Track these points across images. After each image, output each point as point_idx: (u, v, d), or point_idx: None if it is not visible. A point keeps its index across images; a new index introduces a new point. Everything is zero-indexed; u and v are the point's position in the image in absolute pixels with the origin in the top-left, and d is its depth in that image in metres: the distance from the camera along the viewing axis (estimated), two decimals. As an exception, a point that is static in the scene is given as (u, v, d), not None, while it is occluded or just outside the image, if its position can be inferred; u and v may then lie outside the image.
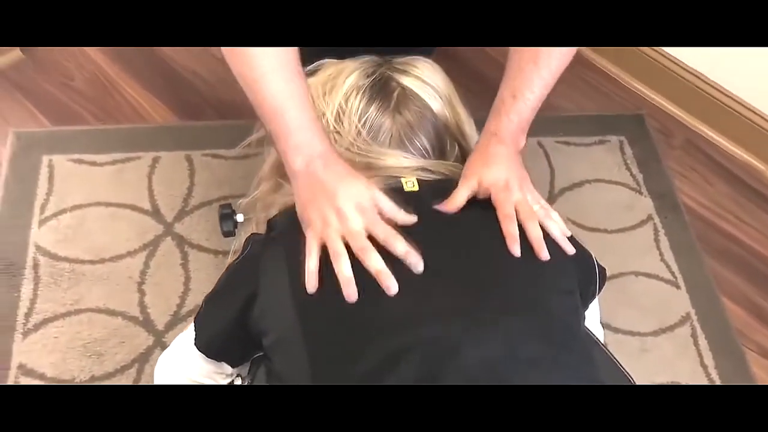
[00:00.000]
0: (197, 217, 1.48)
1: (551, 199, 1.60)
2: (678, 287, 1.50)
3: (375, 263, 0.76)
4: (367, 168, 0.87)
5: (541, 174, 1.63)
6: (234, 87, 1.68)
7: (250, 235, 0.88)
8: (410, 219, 0.81)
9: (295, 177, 0.84)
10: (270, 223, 0.86)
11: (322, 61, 1.02)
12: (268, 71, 0.86)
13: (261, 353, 0.85)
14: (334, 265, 0.76)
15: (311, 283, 0.76)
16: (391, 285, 0.74)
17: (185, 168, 1.55)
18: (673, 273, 1.52)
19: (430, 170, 0.89)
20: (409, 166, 0.88)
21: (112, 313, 1.34)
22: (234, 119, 1.65)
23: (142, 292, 1.37)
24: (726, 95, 1.72)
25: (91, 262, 1.39)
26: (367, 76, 0.93)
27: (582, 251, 0.91)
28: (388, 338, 0.72)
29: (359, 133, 0.90)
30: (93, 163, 1.53)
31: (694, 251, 1.56)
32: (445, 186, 0.88)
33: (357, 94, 0.91)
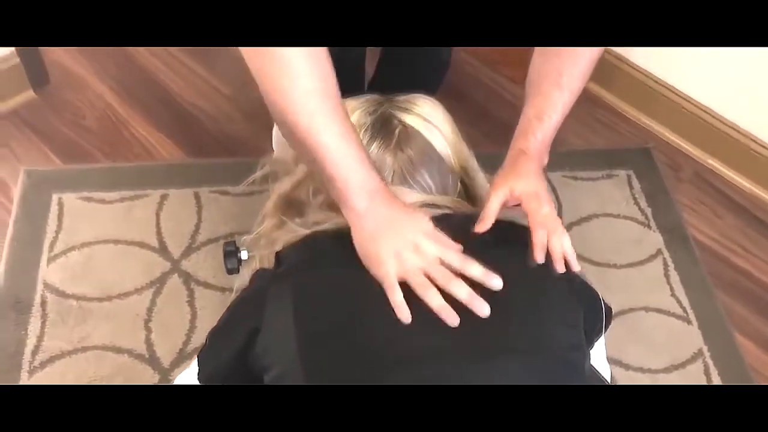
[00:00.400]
0: (204, 253, 1.48)
1: (559, 233, 1.59)
2: (689, 322, 1.48)
3: (461, 292, 0.77)
4: None
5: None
6: (240, 124, 1.72)
7: (257, 270, 0.88)
8: (460, 248, 0.82)
9: (358, 216, 0.82)
10: (278, 257, 0.86)
11: None
12: (315, 113, 0.81)
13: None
14: (424, 298, 0.77)
15: (405, 314, 0.76)
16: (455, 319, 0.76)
17: (193, 205, 1.56)
18: (684, 308, 1.50)
19: (434, 205, 0.89)
20: (414, 201, 0.88)
21: (118, 350, 1.34)
22: (241, 156, 1.66)
23: (148, 330, 1.37)
24: (733, 128, 1.71)
25: (99, 299, 1.40)
26: (369, 114, 0.94)
27: (589, 289, 0.91)
28: (389, 377, 0.72)
29: None
30: (102, 201, 1.54)
31: (705, 286, 1.54)
32: (455, 220, 0.88)
33: (359, 132, 0.92)
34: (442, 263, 0.79)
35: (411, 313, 0.77)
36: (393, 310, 0.77)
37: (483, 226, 0.86)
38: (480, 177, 1.02)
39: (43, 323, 1.35)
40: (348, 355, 0.75)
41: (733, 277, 1.58)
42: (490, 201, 0.89)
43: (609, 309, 0.95)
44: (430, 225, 0.82)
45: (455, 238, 0.82)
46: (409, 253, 0.78)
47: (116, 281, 1.42)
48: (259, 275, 0.87)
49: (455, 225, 0.86)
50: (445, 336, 0.76)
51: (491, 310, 0.77)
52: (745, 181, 1.74)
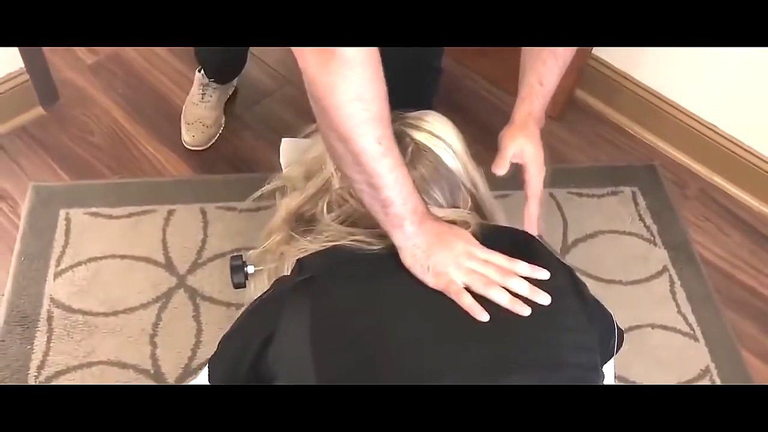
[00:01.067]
0: (210, 269, 1.49)
1: (565, 250, 1.60)
2: (696, 340, 1.48)
3: (521, 288, 0.82)
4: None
5: (554, 225, 1.63)
6: (246, 141, 1.73)
7: (278, 278, 0.88)
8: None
9: (413, 236, 0.84)
10: (301, 263, 0.86)
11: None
12: (379, 139, 0.82)
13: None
14: (493, 297, 0.81)
15: (481, 314, 0.79)
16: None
17: (199, 220, 1.56)
18: (690, 325, 1.49)
19: (449, 220, 0.90)
20: None
21: (123, 365, 1.34)
22: (248, 173, 1.67)
23: (154, 345, 1.37)
24: (739, 146, 1.72)
25: (105, 314, 1.40)
26: None
27: (602, 308, 0.91)
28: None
29: None
30: (109, 216, 1.55)
31: (712, 303, 1.54)
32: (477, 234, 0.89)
33: None
34: (492, 265, 0.84)
35: (428, 327, 0.78)
36: (411, 325, 0.78)
37: (500, 169, 1.06)
38: (484, 189, 1.02)
39: (49, 338, 1.36)
40: (363, 366, 0.75)
41: (740, 294, 1.58)
42: (506, 150, 1.05)
43: (621, 331, 0.95)
44: (471, 236, 0.87)
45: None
46: (465, 260, 0.83)
47: (122, 296, 1.43)
48: (279, 282, 0.87)
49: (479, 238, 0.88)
50: (466, 354, 0.76)
51: (512, 326, 0.79)
52: (751, 198, 1.74)
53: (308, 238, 0.95)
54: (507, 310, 0.81)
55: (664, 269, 1.59)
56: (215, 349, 0.90)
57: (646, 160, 1.81)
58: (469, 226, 0.90)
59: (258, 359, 0.81)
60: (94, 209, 1.56)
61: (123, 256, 1.49)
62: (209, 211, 1.58)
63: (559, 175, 1.74)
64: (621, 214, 1.68)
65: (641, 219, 1.68)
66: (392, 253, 0.86)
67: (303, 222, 1.02)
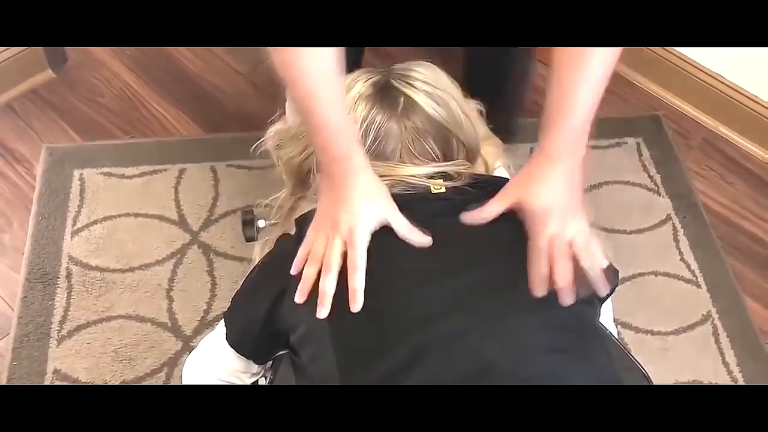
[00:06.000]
0: (222, 225, 1.52)
1: (569, 201, 1.62)
2: (699, 286, 1.51)
3: (355, 284, 0.79)
4: (380, 176, 0.89)
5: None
6: (255, 100, 1.75)
7: (281, 235, 0.91)
8: (425, 241, 0.82)
9: (320, 176, 0.87)
10: (299, 222, 0.89)
11: None
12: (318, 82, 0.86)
13: (284, 351, 0.88)
14: (349, 277, 0.79)
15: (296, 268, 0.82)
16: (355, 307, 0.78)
17: (210, 179, 1.60)
18: (693, 272, 1.52)
19: (445, 173, 0.91)
20: (425, 173, 0.90)
21: (141, 319, 1.38)
22: (257, 131, 1.69)
23: (170, 299, 1.41)
24: (743, 95, 1.72)
25: (121, 270, 1.44)
26: (372, 85, 0.94)
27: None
28: (411, 334, 0.75)
29: (365, 141, 0.92)
30: (122, 176, 1.58)
31: (714, 251, 1.56)
32: (471, 194, 0.89)
33: (363, 103, 0.92)
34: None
35: (431, 277, 0.80)
36: (415, 269, 0.81)
37: (471, 220, 0.85)
38: (483, 136, 1.02)
39: (69, 294, 1.40)
40: (372, 313, 0.78)
41: (743, 242, 1.60)
42: (489, 207, 0.85)
43: (616, 271, 0.97)
44: (383, 215, 0.84)
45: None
46: (343, 228, 0.83)
47: (138, 253, 1.47)
48: (282, 240, 0.90)
49: (470, 195, 0.88)
50: (464, 298, 0.78)
51: (509, 270, 0.81)
52: (756, 147, 1.75)
53: (311, 197, 0.97)
54: (509, 255, 0.83)
55: (668, 218, 1.61)
56: (229, 305, 0.93)
57: (650, 110, 1.82)
58: (462, 177, 0.92)
59: (272, 314, 0.84)
60: (107, 169, 1.59)
61: (137, 215, 1.53)
62: (219, 169, 1.61)
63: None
64: (625, 164, 1.70)
65: (645, 169, 1.70)
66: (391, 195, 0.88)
67: (303, 177, 1.03)
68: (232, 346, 0.89)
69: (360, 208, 0.83)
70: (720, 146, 1.76)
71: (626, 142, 1.75)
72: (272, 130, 1.08)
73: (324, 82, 0.87)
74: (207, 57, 1.83)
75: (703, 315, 1.47)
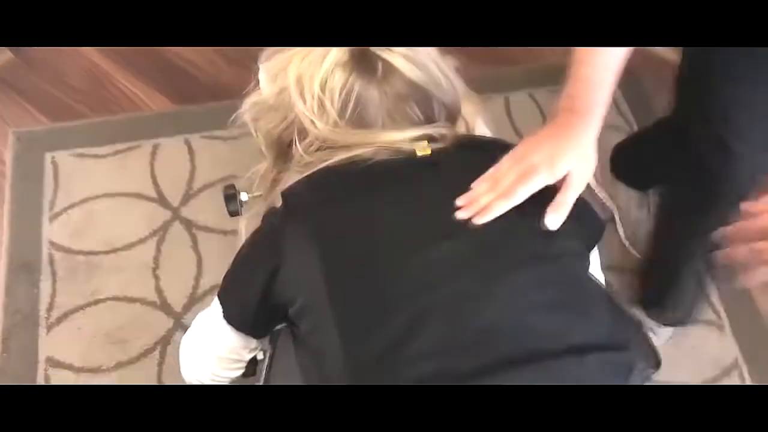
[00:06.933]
0: (202, 199, 1.51)
1: (547, 149, 1.62)
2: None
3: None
4: (363, 144, 0.89)
5: (535, 125, 1.64)
6: (224, 69, 1.72)
7: (267, 210, 0.90)
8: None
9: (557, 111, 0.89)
10: (286, 195, 0.88)
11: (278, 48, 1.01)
12: None
13: (282, 325, 0.89)
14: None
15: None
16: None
17: (185, 152, 1.58)
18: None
19: (430, 136, 0.91)
20: (409, 136, 0.90)
21: (130, 300, 1.38)
22: (228, 100, 1.66)
23: (157, 278, 1.41)
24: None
25: (105, 252, 1.43)
26: (348, 51, 0.91)
27: (591, 212, 0.94)
28: (413, 299, 0.75)
29: (346, 110, 0.91)
30: (95, 156, 1.56)
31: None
32: (457, 155, 0.90)
33: (341, 71, 0.90)
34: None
35: (427, 234, 0.81)
36: (409, 233, 0.81)
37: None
38: (462, 94, 1.01)
39: (54, 281, 1.39)
40: (372, 280, 0.78)
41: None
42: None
43: (603, 222, 0.99)
44: None
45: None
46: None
47: (119, 234, 1.45)
48: (270, 215, 0.89)
49: (455, 153, 0.89)
50: (460, 259, 0.79)
51: (501, 227, 0.81)
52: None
53: (294, 168, 0.96)
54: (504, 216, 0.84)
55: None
56: (222, 284, 0.93)
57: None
58: (446, 139, 0.92)
59: (268, 290, 0.84)
60: (79, 150, 1.56)
61: (114, 194, 1.51)
62: (194, 142, 1.59)
63: (535, 75, 1.76)
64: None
65: (618, 109, 1.70)
66: (375, 160, 0.87)
67: (284, 149, 1.02)
68: (230, 324, 0.89)
69: (591, 157, 0.86)
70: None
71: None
72: (248, 102, 1.06)
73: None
74: (170, 27, 1.79)
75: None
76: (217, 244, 1.45)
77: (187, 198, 1.51)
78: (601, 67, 0.90)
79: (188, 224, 1.47)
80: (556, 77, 1.72)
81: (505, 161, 0.85)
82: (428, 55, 0.96)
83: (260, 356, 0.98)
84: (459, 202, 0.82)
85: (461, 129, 1.03)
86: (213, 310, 0.93)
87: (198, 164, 1.56)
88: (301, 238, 0.82)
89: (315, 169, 0.90)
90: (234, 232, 1.45)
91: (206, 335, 0.95)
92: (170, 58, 1.74)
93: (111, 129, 1.60)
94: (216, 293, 0.94)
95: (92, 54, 1.73)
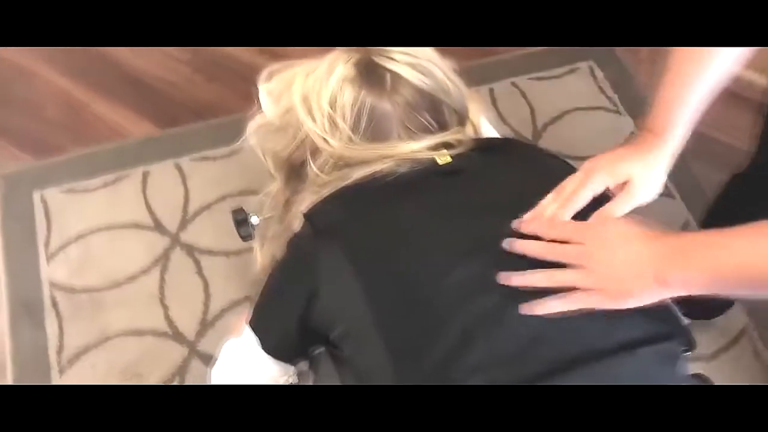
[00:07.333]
0: (200, 222, 1.49)
1: (536, 136, 1.64)
2: (673, 197, 1.56)
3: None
4: (382, 158, 0.88)
5: (521, 114, 1.66)
6: (203, 87, 1.69)
7: (293, 236, 0.89)
8: None
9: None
10: (309, 216, 0.86)
11: (284, 64, 1.00)
12: None
13: (321, 349, 0.88)
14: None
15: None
16: None
17: (176, 176, 1.55)
18: (667, 187, 1.56)
19: (446, 143, 0.91)
20: (426, 145, 0.89)
21: (140, 333, 1.35)
22: (212, 118, 1.65)
23: (165, 307, 1.38)
24: None
25: (108, 287, 1.40)
26: (354, 66, 0.91)
27: None
28: (455, 314, 0.75)
29: (359, 125, 0.90)
30: (85, 190, 1.52)
31: (682, 159, 1.60)
32: (476, 156, 0.90)
33: (350, 86, 0.89)
34: None
35: (462, 245, 0.80)
36: (444, 246, 0.80)
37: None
38: (466, 96, 1.02)
39: (60, 322, 1.36)
40: (415, 300, 0.77)
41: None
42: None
43: None
44: None
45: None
46: None
47: (121, 266, 1.43)
48: (297, 238, 0.87)
49: (477, 154, 0.90)
50: (499, 265, 0.78)
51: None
52: (701, 51, 1.79)
53: (310, 189, 0.95)
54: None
55: (632, 136, 1.65)
56: (253, 314, 0.91)
57: (596, 31, 1.84)
58: (463, 144, 0.92)
59: (306, 317, 0.82)
60: (67, 185, 1.53)
61: (110, 227, 1.48)
62: (184, 164, 1.57)
63: (515, 63, 1.77)
64: (582, 90, 1.72)
65: (602, 92, 1.72)
66: (397, 173, 0.87)
67: (296, 169, 1.01)
68: (270, 354, 0.88)
69: (658, 169, 0.87)
70: (666, 54, 1.79)
71: (579, 68, 1.76)
72: (252, 126, 1.04)
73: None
74: (144, 50, 1.75)
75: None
76: (221, 267, 1.43)
77: (184, 223, 1.49)
78: (680, 86, 0.90)
79: (189, 249, 1.45)
80: (536, 64, 1.76)
81: (572, 175, 0.85)
82: (430, 60, 0.95)
83: (294, 380, 0.97)
84: (526, 216, 0.82)
85: (469, 129, 1.04)
86: (245, 341, 0.91)
87: (191, 187, 1.54)
88: (335, 258, 0.81)
89: (337, 188, 0.89)
90: (237, 253, 1.44)
91: (243, 367, 0.93)
92: (146, 80, 1.71)
93: (97, 160, 1.57)
94: (247, 321, 0.91)
95: (65, 83, 1.69)
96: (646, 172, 0.87)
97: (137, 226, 1.48)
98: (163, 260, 1.44)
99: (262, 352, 0.88)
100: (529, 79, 1.73)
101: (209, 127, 1.62)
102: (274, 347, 0.88)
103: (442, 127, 0.94)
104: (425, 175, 0.87)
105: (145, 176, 1.54)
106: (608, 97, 1.71)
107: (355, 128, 0.90)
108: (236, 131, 1.57)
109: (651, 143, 0.88)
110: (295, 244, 0.88)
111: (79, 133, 1.62)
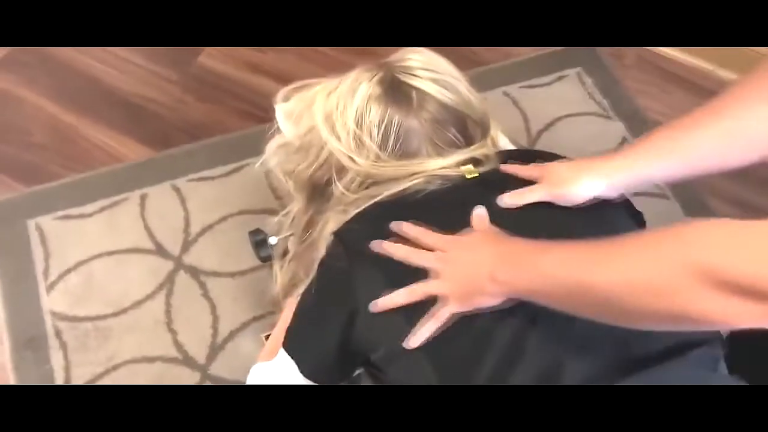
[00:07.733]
0: (203, 243, 1.47)
1: (531, 144, 1.65)
2: (667, 198, 1.59)
3: None
4: (411, 175, 0.89)
5: (515, 122, 1.68)
6: (194, 106, 1.67)
7: (324, 256, 0.88)
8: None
9: None
10: (341, 235, 0.86)
11: (300, 84, 1.01)
12: None
13: (360, 370, 0.87)
14: None
15: None
16: None
17: (175, 198, 1.53)
18: (660, 187, 1.60)
19: (474, 158, 0.91)
20: (455, 162, 0.90)
21: (150, 360, 1.33)
22: (206, 138, 1.63)
23: (173, 332, 1.36)
24: (664, 7, 1.79)
25: (113, 315, 1.37)
26: (379, 84, 0.91)
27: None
28: (498, 328, 0.76)
29: (387, 143, 0.90)
30: (81, 216, 1.49)
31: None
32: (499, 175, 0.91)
33: (376, 105, 0.90)
34: None
35: None
36: None
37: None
38: (484, 103, 1.03)
39: (65, 353, 1.33)
40: (460, 321, 0.78)
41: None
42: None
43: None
44: None
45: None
46: None
47: (124, 292, 1.40)
48: (329, 260, 0.87)
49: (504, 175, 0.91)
50: None
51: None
52: (683, 54, 1.83)
53: (336, 208, 0.95)
54: (562, 224, 0.85)
55: (624, 140, 1.68)
56: (288, 338, 0.90)
57: (581, 38, 1.87)
58: (490, 158, 0.93)
59: (346, 339, 0.82)
60: (62, 212, 1.49)
61: (110, 252, 1.44)
62: (181, 186, 1.54)
63: (505, 72, 1.79)
64: (572, 96, 1.75)
65: (591, 97, 1.75)
66: (426, 191, 0.88)
67: (320, 188, 1.00)
68: (308, 377, 0.87)
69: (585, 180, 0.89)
70: (652, 60, 1.83)
71: (567, 74, 1.79)
72: (271, 147, 1.04)
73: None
74: (131, 70, 1.72)
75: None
76: (227, 288, 1.41)
77: (187, 245, 1.46)
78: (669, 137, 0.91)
79: (194, 272, 1.43)
80: (525, 72, 1.78)
81: None
82: (451, 75, 0.96)
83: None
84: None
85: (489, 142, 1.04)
86: (279, 365, 0.90)
87: (191, 208, 1.51)
88: (372, 277, 0.81)
89: (366, 206, 0.89)
90: (243, 273, 1.42)
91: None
92: (136, 102, 1.68)
93: (91, 185, 1.53)
94: (281, 344, 0.90)
95: (53, 108, 1.65)
96: (571, 170, 0.89)
97: (138, 250, 1.45)
98: (167, 284, 1.41)
99: (299, 375, 0.87)
100: (520, 87, 1.75)
101: (205, 146, 1.60)
102: (314, 370, 0.87)
103: (468, 141, 0.95)
104: (456, 190, 0.87)
105: (143, 199, 1.52)
106: (597, 102, 1.74)
107: (382, 146, 0.90)
108: (233, 150, 1.59)
109: (607, 155, 0.91)
110: (328, 264, 0.87)
111: (70, 158, 1.58)
